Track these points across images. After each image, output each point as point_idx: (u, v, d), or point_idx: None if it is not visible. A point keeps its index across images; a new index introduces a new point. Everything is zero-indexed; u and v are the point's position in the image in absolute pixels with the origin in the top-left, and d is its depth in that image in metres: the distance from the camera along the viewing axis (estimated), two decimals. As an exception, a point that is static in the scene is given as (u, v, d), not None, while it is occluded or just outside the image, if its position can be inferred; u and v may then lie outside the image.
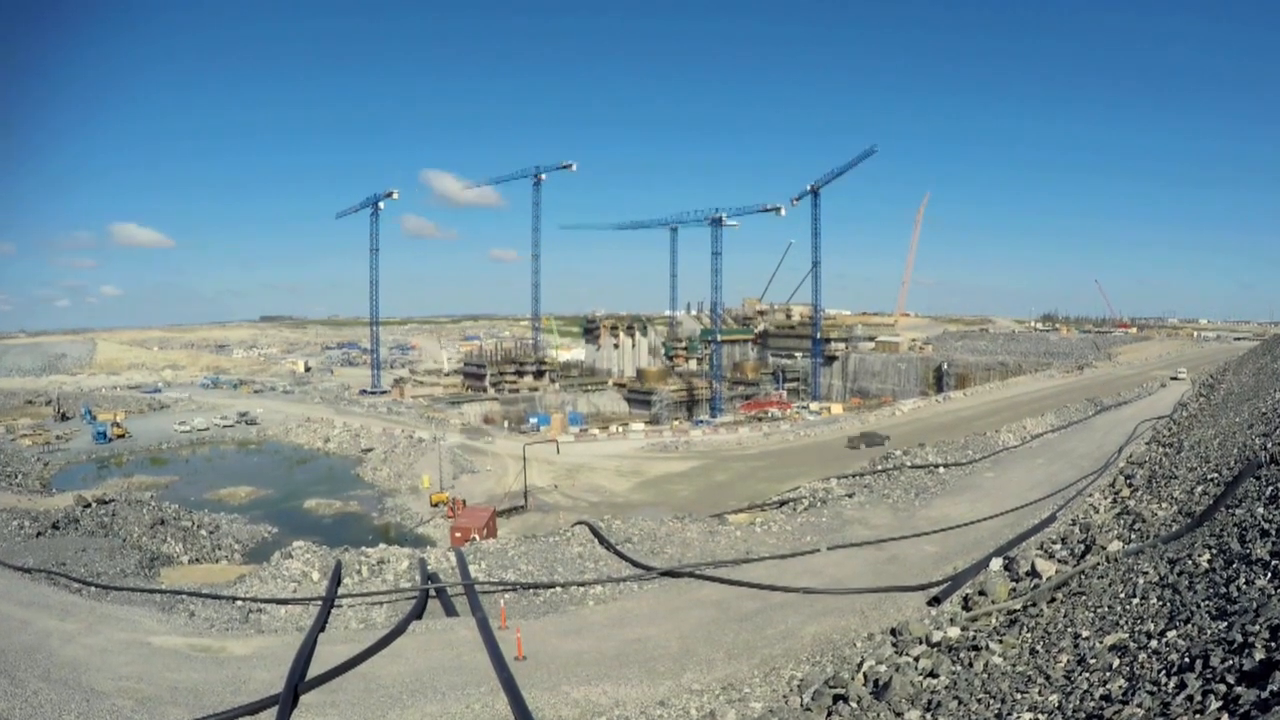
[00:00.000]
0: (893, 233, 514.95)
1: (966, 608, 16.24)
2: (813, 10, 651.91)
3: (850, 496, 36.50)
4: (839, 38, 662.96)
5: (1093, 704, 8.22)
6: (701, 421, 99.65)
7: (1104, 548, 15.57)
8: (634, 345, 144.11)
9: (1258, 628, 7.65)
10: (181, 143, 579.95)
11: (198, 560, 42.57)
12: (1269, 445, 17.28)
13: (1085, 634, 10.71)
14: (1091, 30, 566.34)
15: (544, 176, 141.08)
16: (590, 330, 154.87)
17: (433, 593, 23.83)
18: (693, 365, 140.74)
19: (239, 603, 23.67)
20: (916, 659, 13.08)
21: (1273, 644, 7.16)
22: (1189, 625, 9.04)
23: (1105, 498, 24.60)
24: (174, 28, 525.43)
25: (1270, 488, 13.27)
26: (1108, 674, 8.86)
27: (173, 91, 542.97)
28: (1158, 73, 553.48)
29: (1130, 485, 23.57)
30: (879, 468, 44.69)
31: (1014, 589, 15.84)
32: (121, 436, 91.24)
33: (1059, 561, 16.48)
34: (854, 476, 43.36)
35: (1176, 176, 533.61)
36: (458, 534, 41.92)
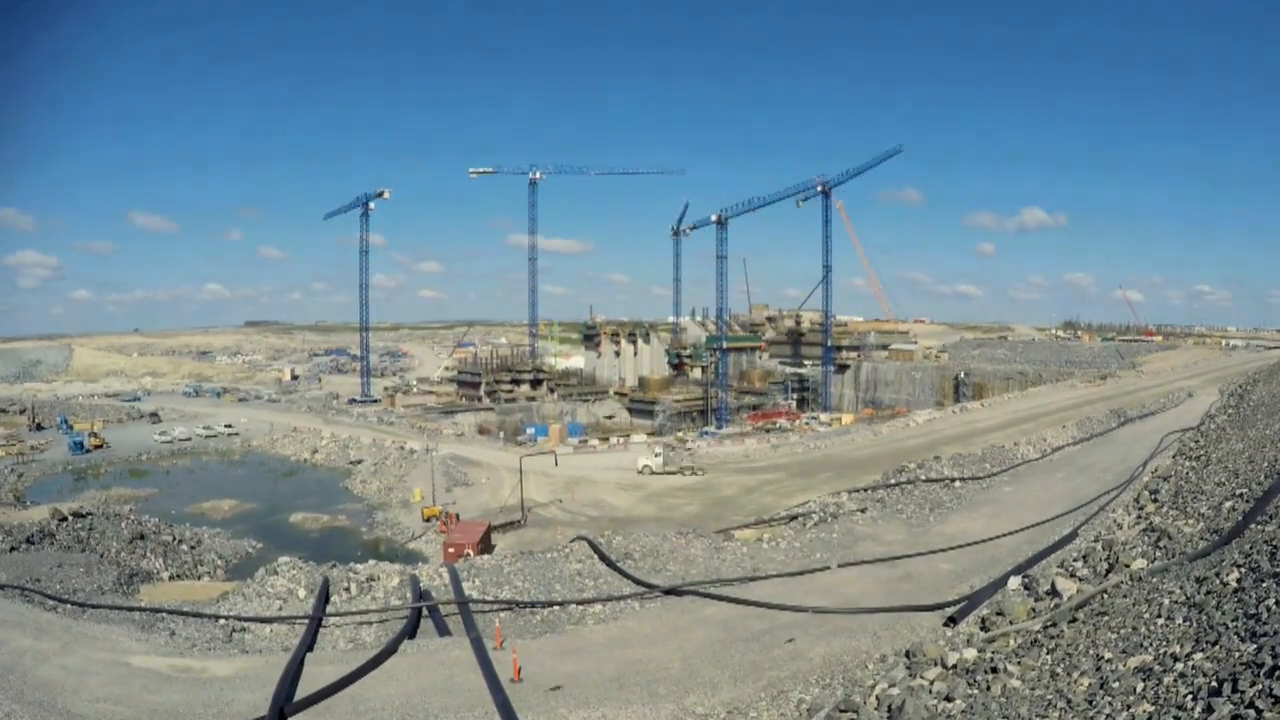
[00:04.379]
0: (902, 237, 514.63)
1: (984, 628, 16.23)
2: (818, 10, 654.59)
3: (862, 511, 36.50)
4: (847, 38, 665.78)
5: (1116, 729, 8.23)
6: (707, 432, 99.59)
7: (1128, 566, 15.57)
8: (636, 353, 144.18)
9: (1288, 650, 7.66)
10: (164, 137, 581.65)
11: (179, 577, 42.56)
12: (1301, 459, 17.28)
13: (1108, 656, 10.72)
14: (1121, 29, 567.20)
15: (540, 175, 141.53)
16: (590, 337, 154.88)
17: (425, 611, 23.84)
18: (697, 374, 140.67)
19: (222, 621, 23.73)
20: (931, 682, 13.07)
21: (1304, 667, 7.17)
22: (1217, 647, 9.05)
23: (1129, 513, 24.56)
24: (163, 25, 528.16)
25: (1302, 503, 13.27)
26: (1132, 698, 8.87)
27: (160, 88, 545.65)
28: (1187, 71, 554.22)
29: (1155, 500, 23.54)
30: (892, 481, 44.68)
31: (1033, 609, 15.83)
32: (99, 447, 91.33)
33: (1080, 580, 16.46)
34: (866, 491, 43.33)
35: (1203, 180, 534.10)
36: (451, 550, 41.94)
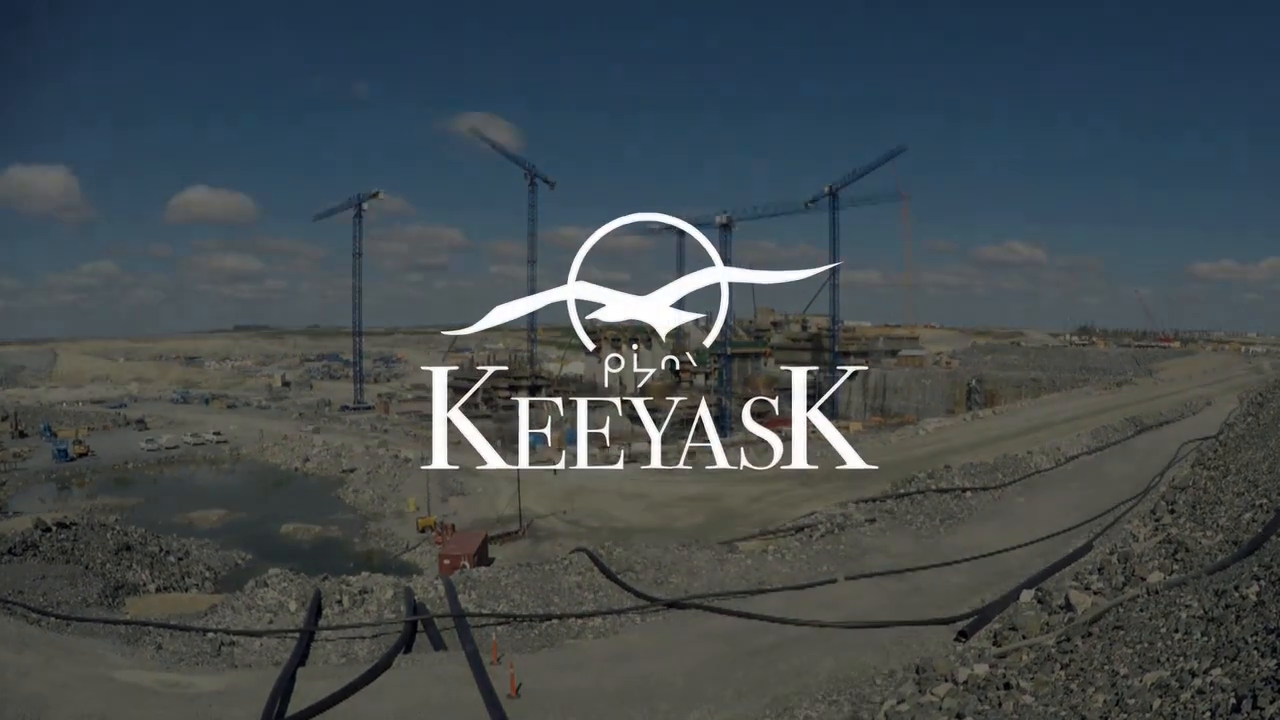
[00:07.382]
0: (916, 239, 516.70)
1: (995, 643, 16.22)
2: (825, 10, 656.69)
3: (870, 522, 36.42)
4: (851, 38, 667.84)
5: (1132, 747, 8.22)
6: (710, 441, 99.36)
7: (1144, 579, 15.56)
8: (637, 358, 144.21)
9: (1309, 665, 7.67)
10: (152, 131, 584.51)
11: (166, 589, 42.54)
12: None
13: (1124, 672, 10.72)
14: (1137, 27, 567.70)
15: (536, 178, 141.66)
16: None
17: (420, 625, 23.83)
18: (701, 380, 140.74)
19: (210, 635, 23.67)
20: (941, 699, 13.06)
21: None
22: (1236, 663, 9.05)
23: (1145, 525, 24.52)
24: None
25: (1323, 514, 13.26)
26: (1148, 715, 8.87)
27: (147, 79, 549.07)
28: (1201, 68, 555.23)
29: (1172, 511, 23.51)
30: (901, 491, 44.59)
31: (1047, 623, 15.81)
32: (84, 455, 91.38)
33: (1095, 593, 16.44)
34: (874, 501, 43.22)
35: (1219, 181, 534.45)
36: (446, 561, 41.93)
